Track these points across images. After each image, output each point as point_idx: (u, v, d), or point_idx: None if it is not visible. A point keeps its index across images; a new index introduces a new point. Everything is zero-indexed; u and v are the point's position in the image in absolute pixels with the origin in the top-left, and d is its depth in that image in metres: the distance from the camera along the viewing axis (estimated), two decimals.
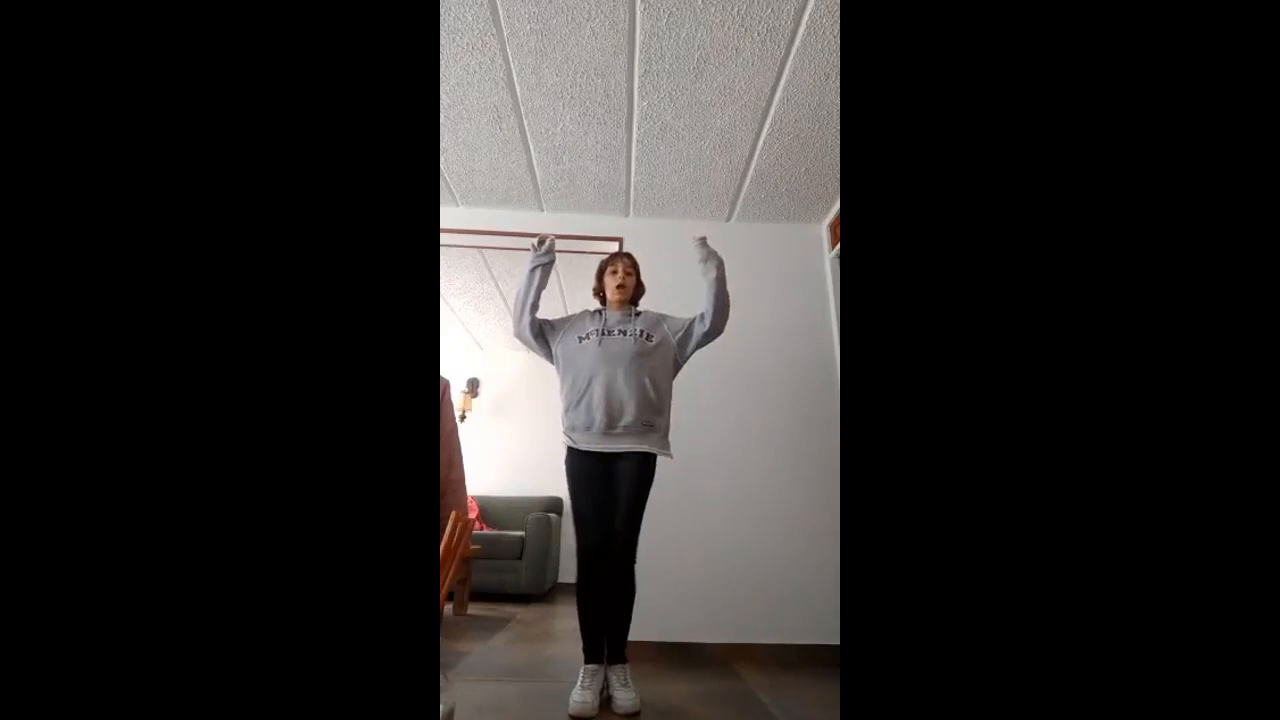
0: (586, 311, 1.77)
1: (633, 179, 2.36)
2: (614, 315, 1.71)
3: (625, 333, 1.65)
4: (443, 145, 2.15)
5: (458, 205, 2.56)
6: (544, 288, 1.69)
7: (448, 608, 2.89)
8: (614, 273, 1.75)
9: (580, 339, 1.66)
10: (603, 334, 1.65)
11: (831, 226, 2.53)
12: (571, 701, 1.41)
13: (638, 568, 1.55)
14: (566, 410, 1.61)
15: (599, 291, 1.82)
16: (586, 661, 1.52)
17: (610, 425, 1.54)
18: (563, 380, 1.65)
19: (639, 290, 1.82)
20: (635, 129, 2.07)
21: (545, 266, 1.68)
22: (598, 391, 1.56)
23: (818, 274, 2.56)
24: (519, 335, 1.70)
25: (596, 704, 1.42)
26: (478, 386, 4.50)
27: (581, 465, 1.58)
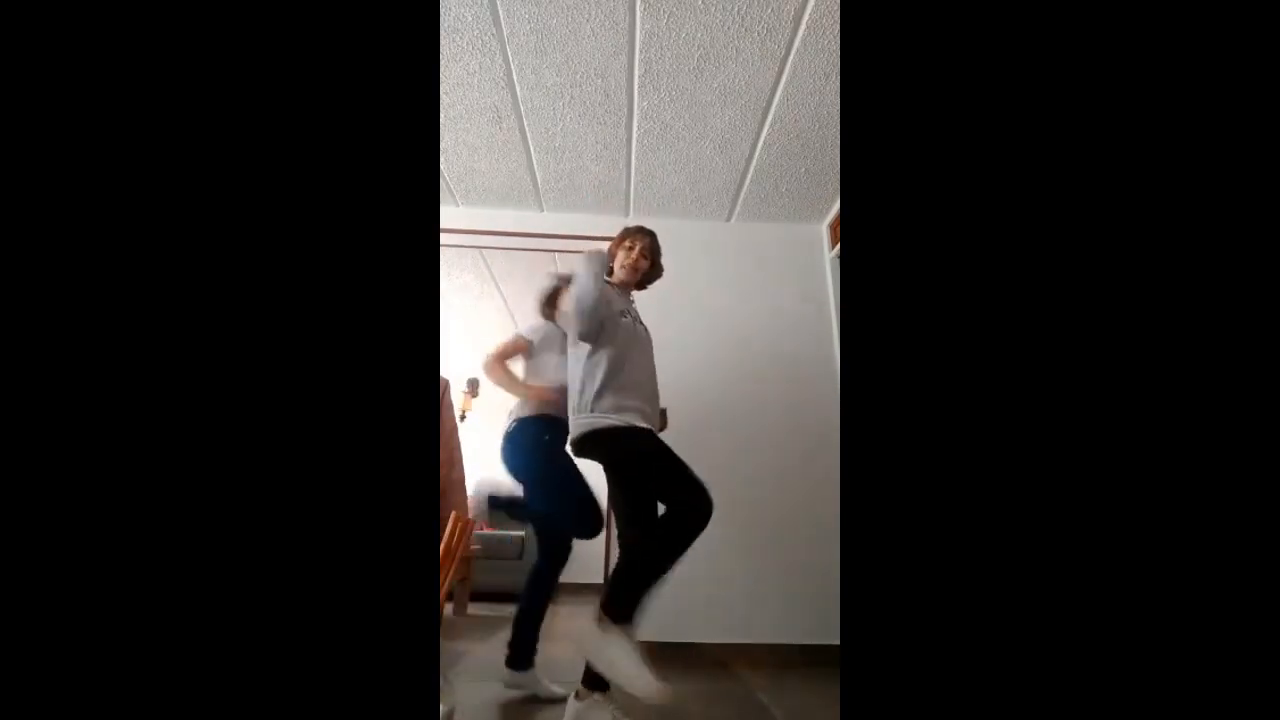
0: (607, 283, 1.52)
1: (633, 179, 2.36)
2: (622, 296, 1.52)
3: (636, 319, 1.51)
4: (443, 145, 2.15)
5: (458, 205, 2.56)
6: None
7: (448, 608, 2.88)
8: (630, 249, 1.56)
9: (620, 314, 1.45)
10: (630, 317, 1.48)
11: (831, 226, 2.53)
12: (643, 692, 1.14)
13: None
14: (609, 389, 1.35)
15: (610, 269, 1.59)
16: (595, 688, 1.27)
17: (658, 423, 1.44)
18: (598, 358, 1.39)
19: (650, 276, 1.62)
20: (635, 129, 2.07)
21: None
22: (648, 382, 1.44)
23: (818, 274, 2.56)
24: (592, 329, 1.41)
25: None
26: (478, 386, 4.49)
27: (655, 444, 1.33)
